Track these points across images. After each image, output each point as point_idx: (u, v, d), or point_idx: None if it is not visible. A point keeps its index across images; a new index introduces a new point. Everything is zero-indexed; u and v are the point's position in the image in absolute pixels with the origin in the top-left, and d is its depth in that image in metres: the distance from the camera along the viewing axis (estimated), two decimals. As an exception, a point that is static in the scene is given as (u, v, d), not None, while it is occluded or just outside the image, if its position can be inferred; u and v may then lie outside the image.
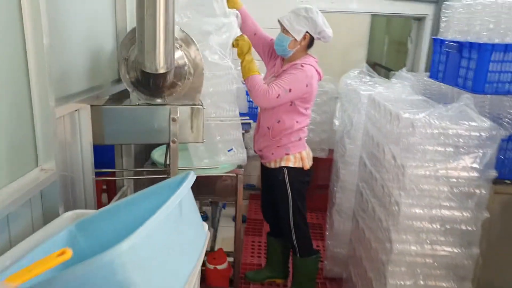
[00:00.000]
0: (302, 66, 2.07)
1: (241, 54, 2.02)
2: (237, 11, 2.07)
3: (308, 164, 2.23)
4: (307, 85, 2.06)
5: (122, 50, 1.59)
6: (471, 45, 1.75)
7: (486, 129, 1.56)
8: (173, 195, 0.92)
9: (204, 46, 1.81)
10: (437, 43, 2.05)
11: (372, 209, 1.96)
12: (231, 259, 2.49)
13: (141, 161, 2.20)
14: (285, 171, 2.19)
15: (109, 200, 1.95)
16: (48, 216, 1.25)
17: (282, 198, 2.25)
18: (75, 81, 1.44)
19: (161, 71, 1.41)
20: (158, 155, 2.14)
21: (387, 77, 3.28)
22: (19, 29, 1.09)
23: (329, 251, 2.70)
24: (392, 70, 3.52)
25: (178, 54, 1.61)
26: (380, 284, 1.78)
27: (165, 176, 1.76)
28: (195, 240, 1.02)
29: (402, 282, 1.71)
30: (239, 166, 2.16)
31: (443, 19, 2.22)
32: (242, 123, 2.05)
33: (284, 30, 2.11)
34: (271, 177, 2.29)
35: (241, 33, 2.02)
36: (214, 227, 2.92)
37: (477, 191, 1.62)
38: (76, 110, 1.43)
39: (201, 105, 1.69)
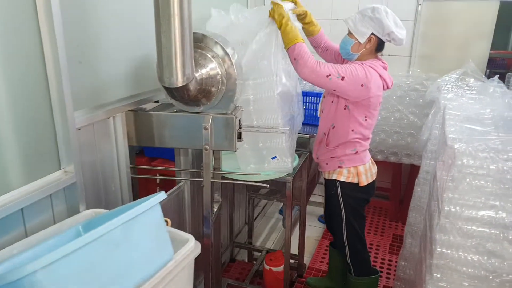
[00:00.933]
0: (362, 64, 1.88)
1: (281, 20, 1.78)
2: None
3: (365, 180, 2.04)
4: (362, 85, 1.84)
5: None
6: None
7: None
8: (114, 219, 0.98)
9: (245, 51, 1.80)
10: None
11: (424, 235, 1.70)
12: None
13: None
14: (338, 184, 2.05)
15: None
16: (72, 212, 1.44)
17: (335, 212, 2.12)
18: (113, 89, 1.60)
19: (179, 85, 1.46)
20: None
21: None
22: (38, 48, 1.25)
23: (400, 271, 2.44)
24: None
25: (211, 65, 1.64)
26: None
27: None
28: (146, 263, 1.06)
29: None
30: (289, 174, 2.10)
31: None
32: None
33: (349, 32, 1.95)
34: (326, 188, 2.17)
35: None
36: (284, 226, 2.92)
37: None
38: (110, 117, 1.59)
39: (233, 115, 1.69)
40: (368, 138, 2.04)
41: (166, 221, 1.39)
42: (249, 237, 3.04)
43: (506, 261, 1.31)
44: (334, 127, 2.00)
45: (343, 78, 1.82)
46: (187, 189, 2.20)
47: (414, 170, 3.16)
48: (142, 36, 1.70)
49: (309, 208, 3.39)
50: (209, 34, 1.65)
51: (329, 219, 2.33)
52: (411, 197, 2.45)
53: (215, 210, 2.04)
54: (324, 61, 1.97)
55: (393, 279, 2.68)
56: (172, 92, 1.56)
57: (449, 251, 1.39)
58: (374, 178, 2.10)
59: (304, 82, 2.50)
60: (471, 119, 1.60)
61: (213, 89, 1.67)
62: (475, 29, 3.03)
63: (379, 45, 1.94)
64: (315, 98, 2.77)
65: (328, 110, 2.02)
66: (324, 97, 2.10)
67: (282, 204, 3.33)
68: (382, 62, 1.97)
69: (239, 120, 1.74)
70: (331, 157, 2.05)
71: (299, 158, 2.30)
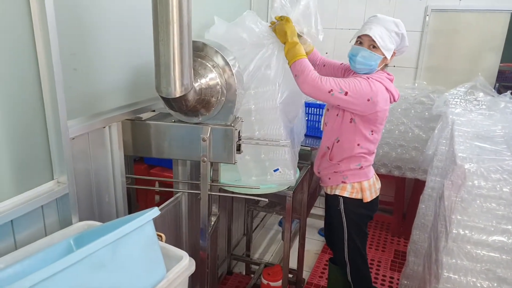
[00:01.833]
0: (368, 78, 1.80)
1: (283, 37, 1.78)
2: None
3: (369, 196, 1.97)
4: (369, 100, 1.76)
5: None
6: None
7: None
8: (101, 238, 0.92)
9: (248, 60, 1.76)
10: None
11: (428, 255, 1.64)
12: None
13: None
14: (341, 200, 1.98)
15: (161, 202, 2.06)
16: (64, 224, 1.38)
17: (337, 228, 2.05)
18: (110, 98, 1.55)
19: (176, 95, 1.41)
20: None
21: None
22: (32, 55, 1.20)
23: (402, 291, 2.37)
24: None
25: (211, 74, 1.59)
26: None
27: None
28: (135, 283, 1.00)
29: None
30: (290, 188, 2.03)
31: None
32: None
33: (372, 46, 1.80)
34: (328, 203, 2.11)
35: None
36: (283, 239, 2.85)
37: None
38: (105, 126, 1.54)
39: (233, 126, 1.63)
40: (373, 153, 1.98)
41: (160, 236, 1.33)
42: (247, 249, 2.97)
43: (517, 288, 1.24)
44: (338, 141, 1.94)
45: (346, 93, 1.74)
46: (185, 200, 2.13)
47: (418, 184, 3.09)
48: (140, 43, 1.65)
49: (309, 220, 3.31)
50: (209, 43, 1.60)
51: (330, 234, 2.25)
52: (414, 212, 2.38)
53: (212, 223, 1.98)
54: None
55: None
56: (170, 102, 1.50)
57: (456, 276, 1.32)
58: (378, 194, 2.04)
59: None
60: (482, 137, 1.53)
61: (212, 99, 1.62)
62: (484, 41, 2.98)
63: (389, 58, 1.89)
64: (317, 109, 2.71)
65: (333, 123, 1.95)
66: (328, 110, 2.03)
67: (282, 216, 3.27)
68: (388, 74, 1.91)
69: (239, 132, 1.68)
70: (334, 172, 1.98)
71: (300, 170, 2.24)
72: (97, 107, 1.50)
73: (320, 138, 2.60)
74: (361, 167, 1.94)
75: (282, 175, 1.92)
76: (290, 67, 1.79)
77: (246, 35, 1.80)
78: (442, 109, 2.26)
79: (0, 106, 1.13)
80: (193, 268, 1.28)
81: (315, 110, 2.72)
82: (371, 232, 3.39)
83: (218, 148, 1.67)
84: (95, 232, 1.25)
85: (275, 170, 1.92)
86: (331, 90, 1.74)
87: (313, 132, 2.72)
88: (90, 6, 1.39)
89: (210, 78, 1.59)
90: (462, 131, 1.60)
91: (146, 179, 2.33)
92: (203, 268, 1.86)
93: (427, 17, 3.03)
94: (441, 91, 2.91)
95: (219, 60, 1.59)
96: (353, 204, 1.97)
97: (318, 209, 3.61)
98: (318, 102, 2.76)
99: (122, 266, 0.97)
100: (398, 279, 2.75)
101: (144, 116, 1.74)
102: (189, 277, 1.29)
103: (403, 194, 3.31)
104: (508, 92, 2.01)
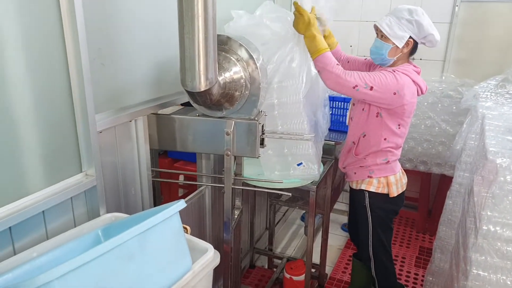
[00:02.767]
0: (394, 71, 1.77)
1: (300, 31, 1.74)
2: None
3: (395, 191, 1.94)
4: (395, 93, 1.74)
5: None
6: None
7: None
8: (130, 229, 0.93)
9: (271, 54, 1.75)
10: None
11: (456, 252, 1.60)
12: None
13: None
14: (366, 195, 1.96)
15: (185, 196, 2.09)
16: (92, 216, 1.42)
17: (362, 223, 2.03)
18: (136, 92, 1.57)
19: (201, 89, 1.41)
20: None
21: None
22: (62, 51, 1.23)
23: (427, 286, 2.33)
24: None
25: (235, 68, 1.59)
26: None
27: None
28: (162, 273, 1.02)
29: None
30: (314, 182, 2.02)
31: None
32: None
33: (382, 36, 1.82)
34: (353, 198, 2.08)
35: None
36: (306, 234, 2.84)
37: None
38: (132, 120, 1.57)
39: (256, 120, 1.63)
40: (400, 147, 1.94)
41: (186, 229, 1.35)
42: (270, 243, 2.97)
43: (550, 287, 1.20)
44: (365, 135, 1.91)
45: (371, 88, 1.72)
46: (208, 193, 2.15)
47: (444, 180, 3.02)
48: (166, 38, 1.66)
49: (332, 215, 3.29)
50: (234, 36, 1.60)
51: (355, 230, 2.23)
52: (440, 208, 2.32)
53: (236, 216, 1.99)
54: None
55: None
56: (195, 96, 1.51)
57: (486, 273, 1.28)
58: (404, 189, 2.00)
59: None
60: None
61: (236, 93, 1.62)
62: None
63: (413, 49, 1.84)
64: (342, 103, 2.68)
65: (359, 118, 1.93)
66: (353, 104, 2.01)
67: (304, 211, 3.26)
68: (414, 66, 1.87)
69: (262, 126, 1.68)
70: (360, 166, 1.96)
71: (324, 165, 2.22)
72: (123, 101, 1.52)
73: (344, 132, 2.58)
74: (388, 161, 1.91)
75: (305, 170, 1.91)
76: (313, 61, 1.78)
77: (267, 27, 1.78)
78: (472, 103, 2.19)
79: (31, 102, 1.16)
80: (217, 261, 1.29)
81: (339, 104, 2.69)
82: (395, 228, 3.33)
83: (241, 142, 1.67)
84: (122, 223, 1.28)
85: (298, 164, 1.91)
86: (356, 86, 1.72)
87: (338, 127, 2.69)
88: (116, 2, 1.41)
89: (234, 72, 1.59)
90: (493, 125, 1.55)
91: (170, 173, 2.37)
92: (226, 261, 1.88)
93: (456, 7, 2.93)
94: (470, 84, 2.82)
95: (243, 54, 1.59)
96: (379, 199, 1.95)
97: (342, 205, 3.57)
98: (342, 96, 2.72)
99: (150, 257, 0.99)
100: (423, 276, 2.71)
101: (171, 110, 1.75)
102: (213, 270, 1.30)
103: (429, 190, 3.24)
104: None
